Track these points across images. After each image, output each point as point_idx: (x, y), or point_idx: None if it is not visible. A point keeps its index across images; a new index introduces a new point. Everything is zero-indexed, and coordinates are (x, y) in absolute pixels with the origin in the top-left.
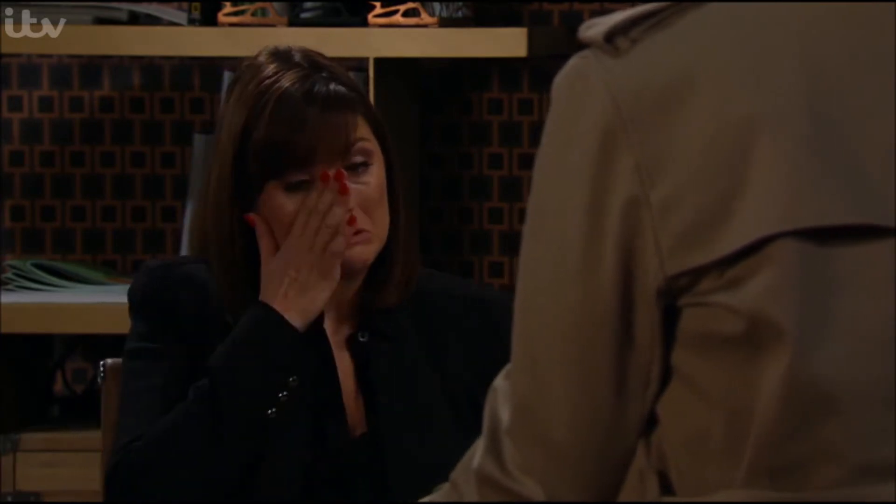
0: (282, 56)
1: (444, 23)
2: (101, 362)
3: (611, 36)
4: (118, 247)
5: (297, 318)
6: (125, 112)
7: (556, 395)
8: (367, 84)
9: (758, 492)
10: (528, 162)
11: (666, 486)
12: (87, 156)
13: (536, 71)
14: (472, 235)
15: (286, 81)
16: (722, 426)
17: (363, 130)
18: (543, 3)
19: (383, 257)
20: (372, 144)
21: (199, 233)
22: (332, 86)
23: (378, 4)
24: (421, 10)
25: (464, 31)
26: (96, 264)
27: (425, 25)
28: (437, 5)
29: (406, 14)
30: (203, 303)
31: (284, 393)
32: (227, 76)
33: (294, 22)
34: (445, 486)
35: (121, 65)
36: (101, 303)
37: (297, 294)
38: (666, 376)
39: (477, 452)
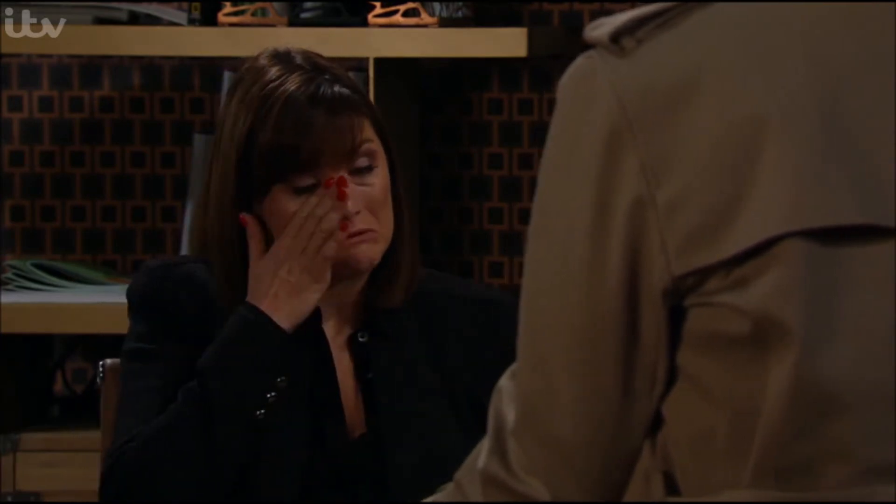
0: (283, 58)
1: (444, 23)
2: (101, 362)
3: (617, 36)
4: (118, 247)
5: (285, 319)
6: (125, 112)
7: (561, 396)
8: (367, 84)
9: (763, 492)
10: (528, 162)
11: (671, 487)
12: (87, 156)
13: (536, 71)
14: (471, 235)
15: (291, 84)
16: (728, 426)
17: (368, 132)
18: (543, 3)
19: (387, 257)
20: (376, 146)
21: (199, 233)
22: (337, 88)
23: (378, 4)
24: (421, 10)
25: (464, 31)
26: (96, 264)
27: (425, 25)
28: (437, 5)
29: (406, 14)
30: (203, 303)
31: (273, 394)
32: (227, 76)
33: (294, 22)
34: (449, 486)
35: (121, 65)
36: (101, 303)
37: (288, 295)
38: (671, 376)
39: (482, 453)
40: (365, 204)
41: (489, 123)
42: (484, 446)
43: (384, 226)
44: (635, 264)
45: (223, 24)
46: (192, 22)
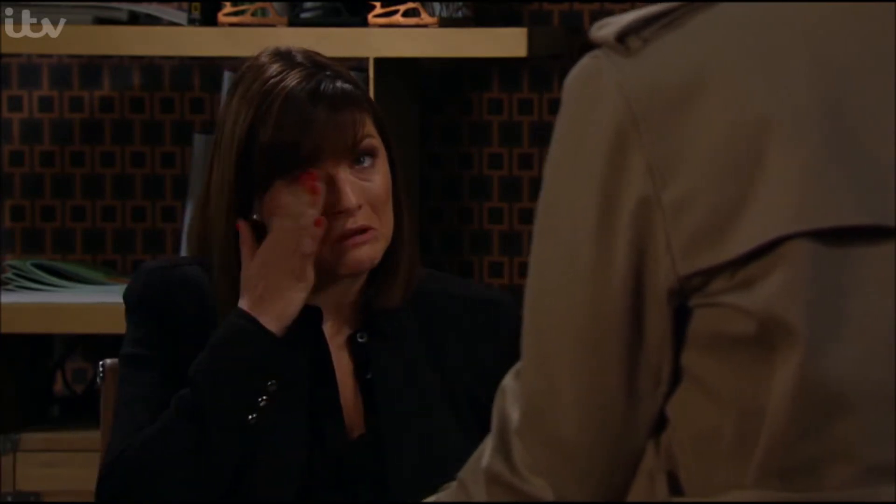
0: (284, 56)
1: (444, 23)
2: (101, 362)
3: (623, 36)
4: (118, 247)
5: (272, 321)
6: (125, 112)
7: (565, 396)
8: (367, 84)
9: (767, 492)
10: (528, 162)
11: (675, 487)
12: (87, 156)
13: (536, 71)
14: (471, 235)
15: (292, 80)
16: (732, 427)
17: (369, 128)
18: (543, 3)
19: (386, 257)
20: (377, 142)
21: (198, 233)
22: (338, 84)
23: (378, 4)
24: (421, 10)
25: (464, 31)
26: (96, 264)
27: (425, 25)
28: (437, 5)
29: (406, 14)
30: (200, 305)
31: (264, 398)
32: (227, 76)
33: (294, 22)
34: (452, 486)
35: (121, 65)
36: (101, 303)
37: (273, 297)
38: (676, 377)
39: (485, 452)
40: (366, 200)
41: (489, 123)
42: (488, 445)
43: (385, 224)
44: (641, 264)
45: (223, 24)
46: (192, 22)
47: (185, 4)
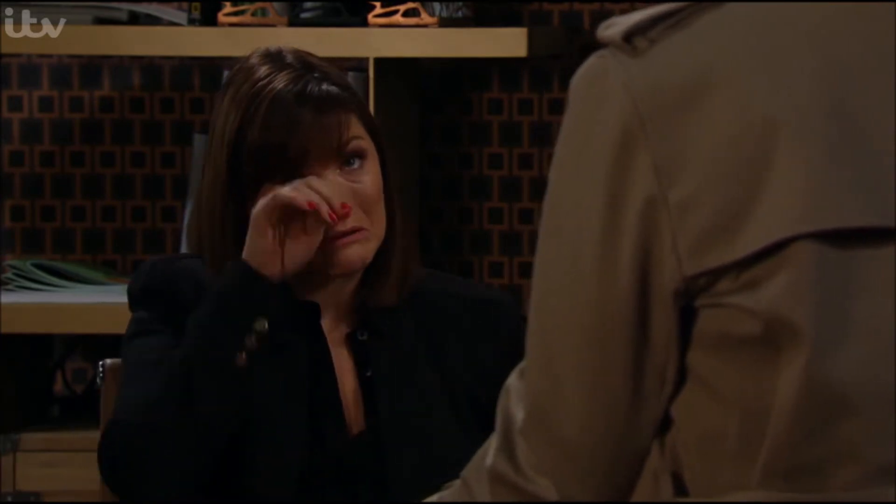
0: (274, 57)
1: (444, 23)
2: (101, 362)
3: (629, 36)
4: (118, 247)
5: (266, 267)
6: (125, 112)
7: (570, 396)
8: (367, 84)
9: (772, 493)
10: (528, 162)
11: (680, 487)
12: (87, 156)
13: (536, 71)
14: (471, 235)
15: (279, 83)
16: (737, 427)
17: (356, 129)
18: (543, 3)
19: (380, 256)
20: (366, 143)
21: (195, 230)
22: (325, 86)
23: (378, 4)
24: (421, 10)
25: (464, 31)
26: (96, 264)
27: (425, 25)
28: (437, 5)
29: (406, 14)
30: (202, 295)
31: (252, 337)
32: (226, 76)
33: (294, 22)
34: (455, 484)
35: (121, 65)
36: (101, 303)
37: (272, 250)
38: (681, 377)
39: (489, 451)
40: (356, 201)
41: (489, 123)
42: (492, 444)
43: (376, 224)
44: (646, 264)
45: (223, 24)
46: (192, 22)
47: (185, 4)
